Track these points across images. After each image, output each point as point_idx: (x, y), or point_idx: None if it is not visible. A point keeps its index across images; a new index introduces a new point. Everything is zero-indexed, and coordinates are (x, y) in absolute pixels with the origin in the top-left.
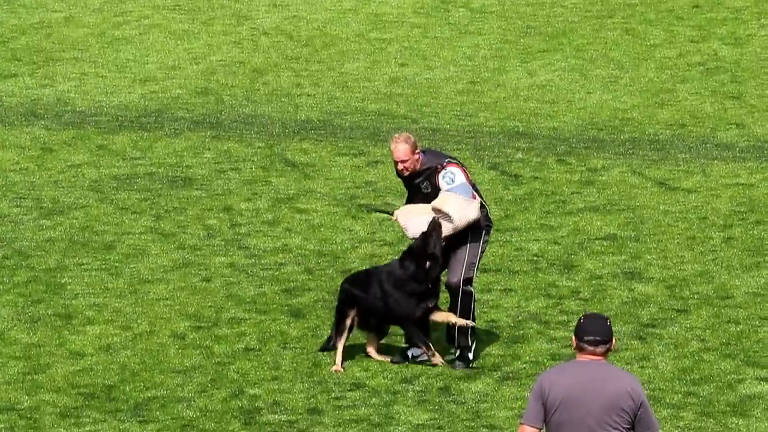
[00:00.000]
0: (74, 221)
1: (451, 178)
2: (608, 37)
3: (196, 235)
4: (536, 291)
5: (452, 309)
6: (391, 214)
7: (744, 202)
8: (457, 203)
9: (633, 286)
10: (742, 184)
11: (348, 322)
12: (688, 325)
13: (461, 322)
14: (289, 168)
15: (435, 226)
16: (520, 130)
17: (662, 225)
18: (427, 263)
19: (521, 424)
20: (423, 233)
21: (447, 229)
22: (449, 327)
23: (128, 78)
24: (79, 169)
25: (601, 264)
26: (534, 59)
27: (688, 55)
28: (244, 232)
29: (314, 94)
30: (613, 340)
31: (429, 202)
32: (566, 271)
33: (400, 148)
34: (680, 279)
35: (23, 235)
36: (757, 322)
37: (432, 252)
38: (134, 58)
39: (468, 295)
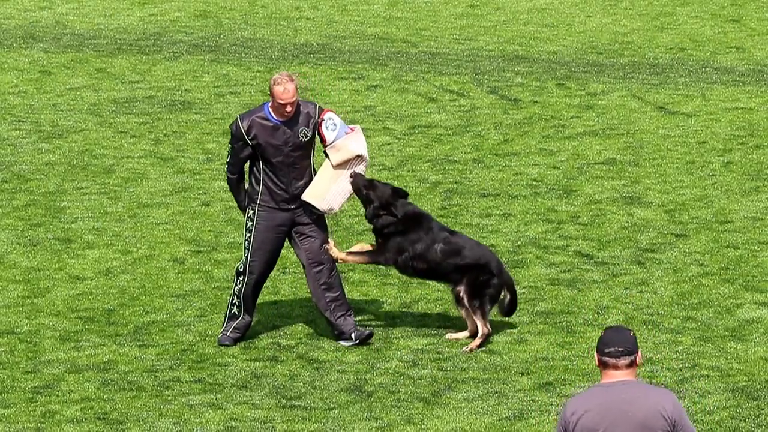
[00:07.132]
0: (73, 145)
1: (333, 123)
2: None
3: (195, 159)
4: (535, 216)
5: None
6: None
7: (743, 126)
8: (356, 141)
9: (632, 211)
10: (742, 108)
11: None
12: (687, 250)
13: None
14: None
15: (358, 179)
16: (520, 54)
17: (661, 149)
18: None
19: None
20: (365, 192)
21: (362, 169)
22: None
23: (127, 0)
24: (78, 93)
25: (600, 188)
26: None
27: None
28: None
29: (313, 18)
30: (639, 354)
31: (306, 151)
32: (565, 195)
33: (291, 88)
34: (679, 203)
35: (22, 159)
36: (755, 247)
37: (387, 198)
38: None
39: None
